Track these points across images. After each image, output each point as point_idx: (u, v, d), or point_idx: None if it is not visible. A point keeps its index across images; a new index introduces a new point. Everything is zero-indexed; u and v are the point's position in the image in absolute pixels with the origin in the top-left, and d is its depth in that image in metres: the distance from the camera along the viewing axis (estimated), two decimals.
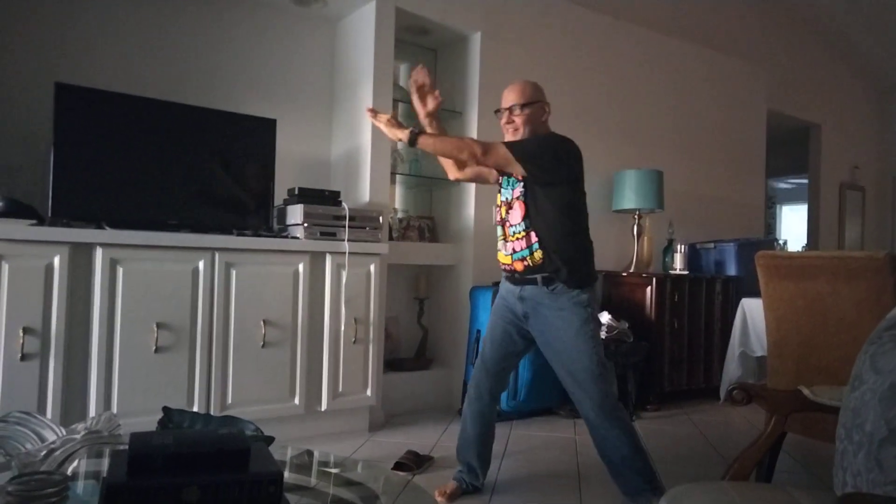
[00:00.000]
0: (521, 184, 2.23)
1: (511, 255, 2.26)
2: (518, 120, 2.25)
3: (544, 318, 2.22)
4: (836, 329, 2.17)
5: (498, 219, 2.34)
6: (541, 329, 2.25)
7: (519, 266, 2.24)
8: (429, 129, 2.33)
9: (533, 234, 2.20)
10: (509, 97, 2.28)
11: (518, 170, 2.19)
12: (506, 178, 2.32)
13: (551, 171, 2.19)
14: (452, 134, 2.74)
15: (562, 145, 2.23)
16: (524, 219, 2.22)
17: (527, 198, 2.22)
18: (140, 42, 3.07)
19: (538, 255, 2.19)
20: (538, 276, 2.20)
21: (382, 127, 2.26)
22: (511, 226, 2.26)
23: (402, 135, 2.20)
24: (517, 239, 2.24)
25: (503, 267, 2.33)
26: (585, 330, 2.17)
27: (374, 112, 2.28)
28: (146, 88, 2.93)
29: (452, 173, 2.48)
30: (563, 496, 2.39)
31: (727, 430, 3.47)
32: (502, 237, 2.31)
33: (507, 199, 2.29)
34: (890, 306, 1.90)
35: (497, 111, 2.33)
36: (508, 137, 2.28)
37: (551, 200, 2.19)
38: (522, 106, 2.25)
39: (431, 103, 2.32)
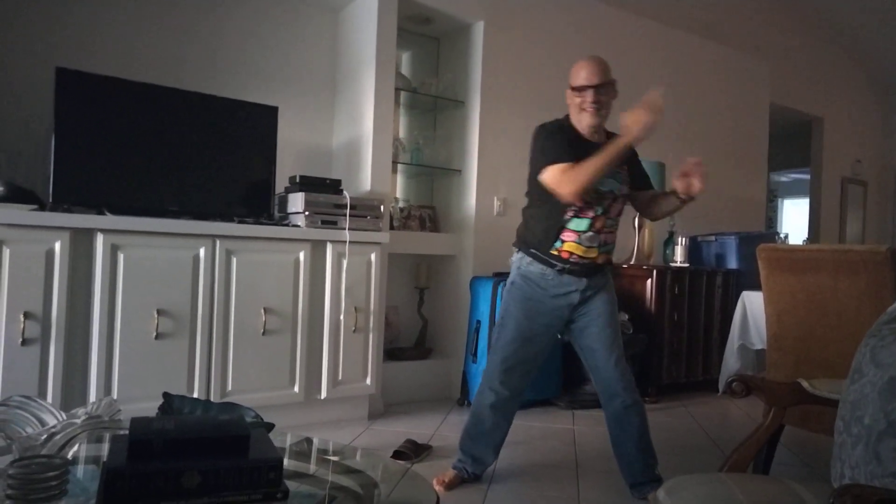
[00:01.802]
0: (625, 183, 2.26)
1: (599, 246, 2.22)
2: (604, 99, 2.19)
3: (599, 299, 2.27)
4: (836, 322, 2.17)
5: (592, 210, 2.18)
6: (599, 308, 2.26)
7: (602, 259, 2.25)
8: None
9: (617, 230, 2.30)
10: (594, 75, 2.15)
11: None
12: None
13: None
14: (447, 139, 2.64)
15: None
16: (619, 215, 2.28)
17: (626, 196, 2.28)
18: (141, 27, 3.05)
19: (613, 248, 2.31)
20: (606, 265, 2.29)
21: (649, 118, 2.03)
22: (610, 218, 2.24)
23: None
24: (611, 233, 2.25)
25: (577, 258, 2.19)
26: (618, 308, 2.35)
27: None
28: (147, 74, 2.92)
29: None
30: (561, 486, 2.40)
31: (725, 422, 3.49)
32: (591, 229, 2.18)
33: (613, 191, 2.21)
34: (890, 300, 1.90)
35: (577, 88, 2.17)
36: (589, 118, 2.16)
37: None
38: (609, 84, 2.21)
39: (697, 187, 2.17)
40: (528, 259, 2.26)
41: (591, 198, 2.16)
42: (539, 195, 2.22)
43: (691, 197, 2.14)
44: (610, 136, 2.21)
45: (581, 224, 2.18)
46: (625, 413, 2.26)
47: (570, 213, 2.18)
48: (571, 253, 2.19)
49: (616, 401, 2.26)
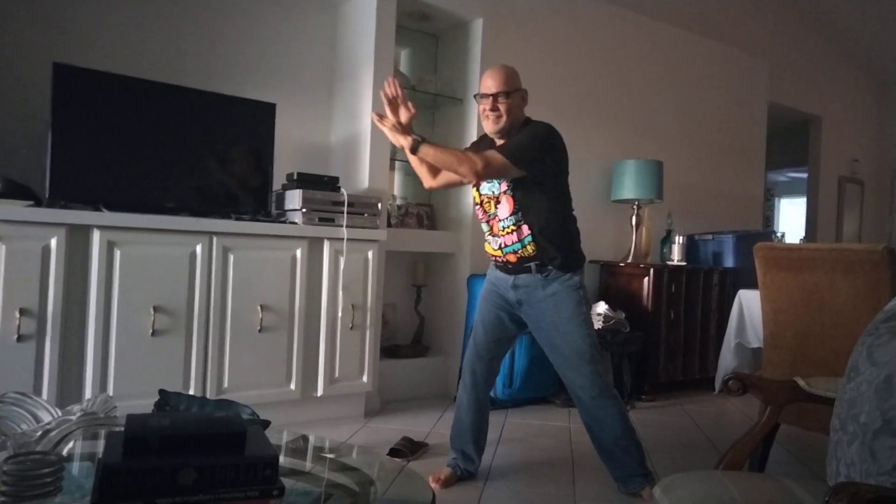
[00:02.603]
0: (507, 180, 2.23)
1: (501, 248, 2.26)
2: (502, 107, 2.20)
3: (539, 304, 2.23)
4: (833, 321, 2.18)
5: (482, 214, 2.32)
6: (535, 315, 2.26)
7: (512, 258, 2.25)
8: (398, 122, 2.21)
9: (525, 227, 2.21)
10: (492, 83, 2.21)
11: (518, 174, 2.16)
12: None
13: (545, 165, 2.20)
14: (443, 142, 2.67)
15: (548, 136, 2.22)
16: (514, 213, 2.21)
17: (515, 192, 2.21)
18: (139, 23, 3.04)
19: (531, 246, 2.21)
20: (532, 265, 2.22)
21: (387, 132, 2.20)
22: (500, 220, 2.24)
23: (406, 142, 2.16)
24: (508, 233, 2.23)
25: (493, 258, 2.34)
26: (578, 312, 2.21)
27: (380, 116, 2.21)
28: (145, 70, 2.90)
29: (427, 182, 2.44)
30: (557, 483, 2.41)
31: (721, 420, 3.49)
32: (489, 232, 2.31)
33: (492, 193, 2.26)
34: (887, 299, 1.90)
35: (476, 96, 2.27)
36: (489, 125, 2.24)
37: (542, 191, 2.20)
38: (507, 93, 2.21)
39: (405, 115, 2.21)
40: None
41: (481, 201, 2.31)
42: None
43: (400, 147, 2.22)
44: (523, 127, 2.30)
45: (484, 227, 2.34)
46: (592, 417, 2.27)
47: (481, 219, 2.34)
48: (490, 254, 2.35)
49: (581, 407, 2.29)
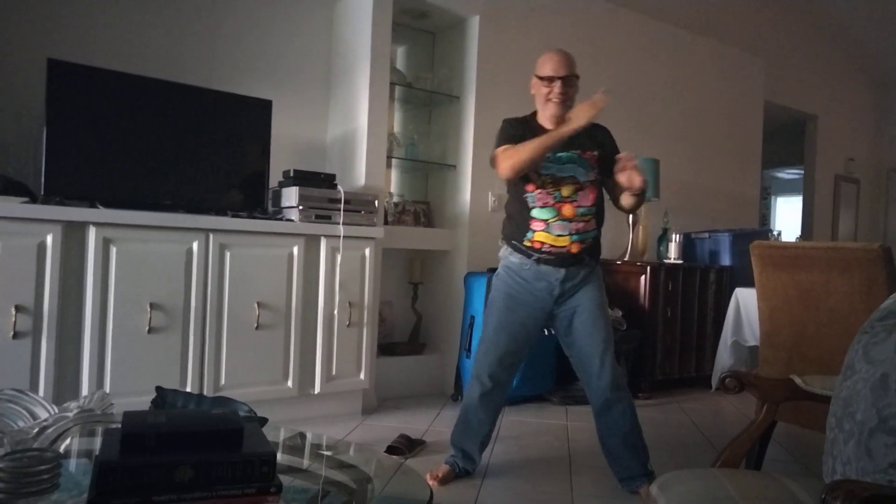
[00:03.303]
0: (596, 169, 2.26)
1: (570, 235, 2.21)
2: (571, 91, 2.23)
3: (582, 292, 2.26)
4: (829, 320, 2.18)
5: (551, 197, 2.20)
6: (576, 304, 2.26)
7: (576, 248, 2.22)
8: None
9: (595, 219, 2.27)
10: (562, 67, 2.20)
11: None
12: (573, 154, 2.22)
13: None
14: (439, 139, 2.64)
15: None
16: (594, 203, 2.26)
17: (598, 183, 2.27)
18: (135, 19, 3.03)
19: (593, 239, 2.27)
20: (586, 256, 2.26)
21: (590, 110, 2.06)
22: (580, 206, 2.22)
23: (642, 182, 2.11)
24: (584, 220, 2.23)
25: (549, 248, 2.21)
26: (607, 302, 2.34)
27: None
28: (141, 66, 2.89)
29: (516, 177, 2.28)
30: (555, 481, 2.41)
31: (718, 418, 3.50)
32: (558, 217, 2.20)
33: (579, 179, 2.22)
34: (883, 297, 1.91)
35: (545, 79, 2.22)
36: (555, 107, 2.21)
37: (601, 184, 2.31)
38: (576, 78, 2.24)
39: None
40: (510, 250, 2.31)
41: (543, 183, 2.21)
42: (511, 186, 2.32)
43: (638, 190, 2.14)
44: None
45: (546, 213, 2.22)
46: (609, 410, 2.27)
47: (533, 203, 2.24)
48: (543, 242, 2.22)
49: (601, 398, 2.27)
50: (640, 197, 2.21)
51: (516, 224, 2.28)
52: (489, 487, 2.33)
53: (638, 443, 2.30)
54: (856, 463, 1.08)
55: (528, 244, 2.24)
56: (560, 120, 2.21)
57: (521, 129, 2.26)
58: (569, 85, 2.22)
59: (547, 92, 2.23)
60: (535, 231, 2.23)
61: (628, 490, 2.28)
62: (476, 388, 2.35)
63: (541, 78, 2.25)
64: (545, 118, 2.28)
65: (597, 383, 2.27)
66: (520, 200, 2.27)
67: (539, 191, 2.23)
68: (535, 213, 2.24)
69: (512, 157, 2.14)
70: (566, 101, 2.22)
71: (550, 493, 2.29)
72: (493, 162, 2.26)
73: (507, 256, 2.33)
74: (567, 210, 2.22)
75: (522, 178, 2.24)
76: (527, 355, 2.41)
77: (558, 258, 2.22)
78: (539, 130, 2.23)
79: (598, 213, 2.29)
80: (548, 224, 2.22)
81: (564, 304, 2.27)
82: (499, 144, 2.24)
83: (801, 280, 2.27)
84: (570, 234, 2.21)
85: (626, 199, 2.27)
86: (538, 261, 2.23)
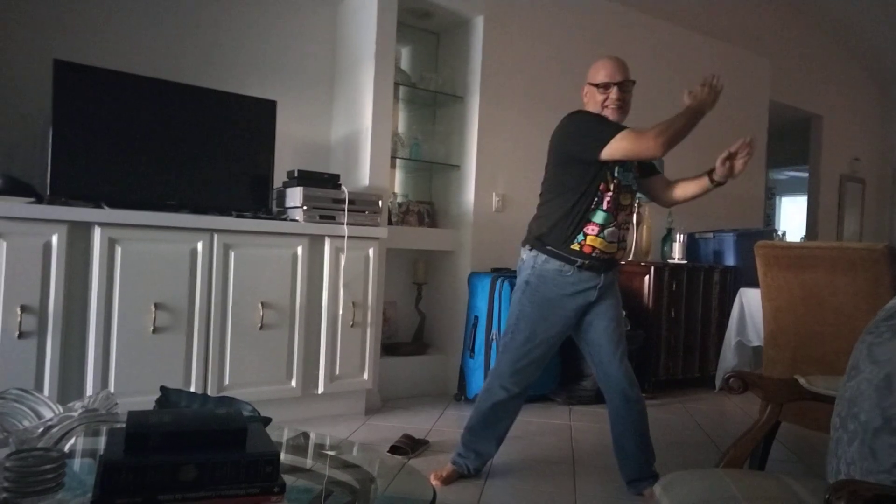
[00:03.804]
0: (637, 176, 2.26)
1: (619, 242, 2.20)
2: (628, 97, 2.18)
3: (608, 295, 2.27)
4: (833, 320, 2.18)
5: (614, 204, 2.15)
6: (608, 305, 2.27)
7: (620, 255, 2.26)
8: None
9: (631, 224, 2.31)
10: (618, 72, 2.15)
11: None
12: (625, 164, 2.18)
13: None
14: (446, 134, 2.60)
15: None
16: (633, 213, 2.32)
17: (635, 192, 2.26)
18: (140, 20, 3.04)
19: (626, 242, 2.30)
20: (621, 262, 2.33)
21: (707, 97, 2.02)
22: (629, 214, 2.24)
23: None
24: (628, 228, 2.26)
25: (598, 253, 2.16)
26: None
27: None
28: (146, 67, 2.90)
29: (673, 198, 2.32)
30: (558, 481, 2.41)
31: (721, 418, 3.49)
32: (613, 223, 2.15)
33: (631, 187, 2.21)
34: (888, 298, 1.90)
35: (601, 85, 2.16)
36: (614, 113, 2.16)
37: None
38: (632, 83, 2.20)
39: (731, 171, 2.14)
40: (544, 257, 2.19)
41: (614, 187, 2.15)
42: (562, 186, 2.18)
43: (726, 179, 2.13)
44: None
45: (604, 217, 2.14)
46: (627, 409, 2.27)
47: (598, 206, 2.14)
48: (594, 248, 2.15)
49: (619, 396, 2.27)
50: (717, 186, 2.18)
51: (564, 226, 2.16)
52: (492, 487, 2.33)
53: (648, 445, 2.31)
54: (860, 463, 1.08)
55: (576, 248, 2.15)
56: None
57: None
58: (625, 90, 2.16)
59: (603, 99, 2.16)
60: (587, 235, 2.14)
61: (635, 492, 2.27)
62: (499, 394, 2.30)
63: (596, 85, 2.18)
64: None
65: (617, 382, 2.26)
66: (574, 202, 2.14)
67: (609, 194, 2.14)
68: (595, 216, 2.14)
69: (664, 133, 2.00)
70: (623, 107, 2.17)
71: (554, 493, 2.29)
72: (619, 146, 2.05)
73: (540, 265, 2.20)
74: (622, 218, 2.19)
75: (594, 179, 2.13)
76: (550, 358, 2.41)
77: (603, 264, 2.18)
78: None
79: (632, 220, 2.35)
80: (602, 229, 2.14)
81: (595, 307, 2.27)
82: (610, 131, 2.07)
83: (805, 280, 2.26)
84: (619, 242, 2.20)
85: (697, 187, 2.21)
86: (581, 266, 2.16)
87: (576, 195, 2.14)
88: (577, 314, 2.24)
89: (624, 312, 3.72)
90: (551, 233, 2.19)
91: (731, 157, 2.12)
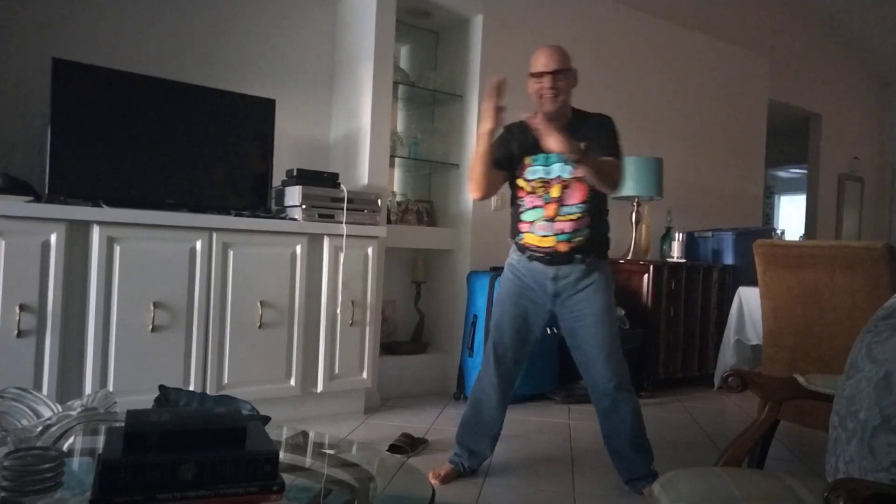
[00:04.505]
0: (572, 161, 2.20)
1: (556, 235, 2.20)
2: (561, 85, 2.18)
3: (580, 293, 2.23)
4: (832, 319, 2.18)
5: (541, 199, 2.21)
6: (574, 305, 2.24)
7: (563, 247, 2.20)
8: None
9: (587, 217, 2.22)
10: (550, 61, 2.18)
11: None
12: (552, 156, 2.19)
13: None
14: (445, 134, 2.62)
15: (616, 127, 2.28)
16: (584, 201, 2.20)
17: (586, 181, 2.20)
18: (139, 19, 3.03)
19: (585, 236, 2.22)
20: (579, 256, 2.22)
21: (552, 139, 2.01)
22: (564, 205, 2.20)
23: (574, 149, 2.01)
24: (570, 220, 2.19)
25: (535, 248, 2.23)
26: (612, 304, 2.27)
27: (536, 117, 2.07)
28: (145, 66, 2.90)
29: (483, 192, 2.24)
30: (557, 480, 2.41)
31: (720, 417, 3.50)
32: (543, 217, 2.21)
33: (559, 177, 2.21)
34: (887, 296, 1.90)
35: (535, 75, 2.19)
36: (547, 104, 2.17)
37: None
38: (567, 71, 2.21)
39: (499, 122, 2.13)
40: (513, 247, 2.36)
41: (533, 188, 2.24)
42: (510, 191, 2.36)
43: (570, 155, 2.06)
44: (578, 117, 2.28)
45: (532, 215, 2.24)
46: (615, 410, 2.26)
47: (523, 207, 2.26)
48: (529, 244, 2.26)
49: (606, 398, 2.26)
50: (588, 165, 2.07)
51: (512, 226, 2.35)
52: (491, 486, 2.33)
53: (643, 444, 2.29)
54: (858, 462, 1.08)
55: (521, 244, 2.30)
56: (555, 115, 2.17)
57: (506, 136, 2.28)
58: (560, 79, 2.18)
59: (538, 88, 2.20)
60: (523, 233, 2.28)
61: (634, 490, 2.27)
62: (481, 382, 2.38)
63: (531, 75, 2.24)
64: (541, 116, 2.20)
65: (601, 385, 2.26)
66: (513, 205, 2.33)
67: (528, 195, 2.25)
68: (523, 216, 2.27)
69: (470, 178, 2.24)
70: (558, 96, 2.18)
71: (553, 492, 2.29)
72: None
73: (510, 256, 2.37)
74: (550, 210, 2.21)
75: (513, 186, 2.30)
76: (531, 350, 2.41)
77: (546, 257, 2.23)
78: (527, 129, 2.15)
79: (591, 210, 2.22)
80: (532, 225, 2.24)
81: (565, 304, 2.25)
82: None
83: (804, 279, 2.26)
84: (556, 235, 2.20)
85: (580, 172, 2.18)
86: (530, 258, 2.27)
87: (511, 199, 2.35)
88: (539, 303, 2.29)
89: (623, 311, 3.76)
90: (510, 229, 2.37)
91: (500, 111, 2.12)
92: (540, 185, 2.24)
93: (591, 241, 2.23)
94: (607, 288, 2.26)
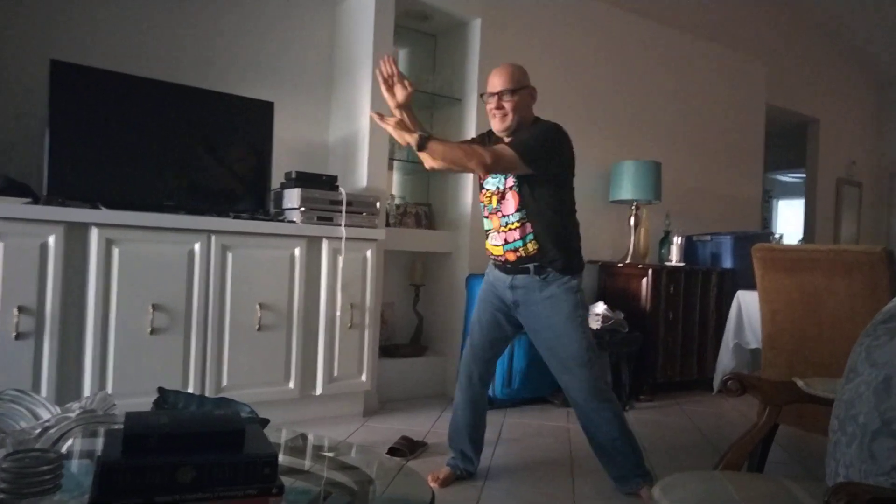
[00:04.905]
0: (511, 175, 2.20)
1: (503, 245, 2.24)
2: (507, 105, 2.19)
3: (535, 306, 2.22)
4: (831, 323, 2.18)
5: (484, 209, 2.32)
6: (531, 317, 2.25)
7: (511, 256, 2.23)
8: (401, 119, 2.19)
9: (528, 224, 2.19)
10: (498, 82, 2.21)
11: (525, 171, 2.14)
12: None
13: (553, 165, 2.19)
14: (444, 137, 2.67)
15: (557, 136, 2.20)
16: (518, 209, 2.20)
17: (521, 188, 2.19)
18: (138, 21, 3.03)
19: (532, 245, 2.19)
20: (531, 266, 2.20)
21: (390, 130, 2.11)
22: (503, 216, 2.23)
23: (411, 139, 2.08)
24: (511, 229, 2.22)
25: (493, 256, 2.33)
26: (575, 316, 2.20)
27: (381, 115, 2.13)
28: (143, 68, 2.90)
29: (428, 162, 2.19)
30: (556, 483, 2.41)
31: (720, 421, 3.50)
32: (494, 227, 2.28)
33: (498, 188, 2.25)
34: (885, 300, 1.91)
35: (483, 95, 2.27)
36: (496, 124, 2.24)
37: (547, 190, 2.19)
38: (513, 91, 2.19)
39: (401, 94, 2.21)
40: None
41: (483, 196, 2.32)
42: None
43: (406, 145, 2.15)
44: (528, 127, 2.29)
45: (487, 223, 2.33)
46: (590, 421, 2.27)
47: (482, 213, 2.34)
48: (490, 252, 2.34)
49: (578, 409, 2.29)
50: (428, 152, 2.10)
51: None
52: (490, 489, 2.33)
53: (627, 448, 2.25)
54: (858, 465, 1.08)
55: (487, 251, 2.37)
56: (509, 133, 2.22)
57: (480, 142, 2.35)
58: (506, 99, 2.19)
59: (489, 108, 2.25)
60: (487, 239, 2.34)
61: (625, 491, 2.27)
62: (458, 385, 2.43)
63: (481, 95, 2.32)
64: (496, 132, 2.28)
65: (571, 397, 2.28)
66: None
67: (484, 206, 2.33)
68: (485, 224, 2.35)
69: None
70: (506, 115, 2.20)
71: (552, 495, 2.29)
72: None
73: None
74: (495, 221, 2.28)
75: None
76: (500, 352, 2.45)
77: (503, 265, 2.29)
78: (486, 139, 2.35)
79: (532, 218, 2.18)
80: (488, 235, 2.32)
81: (524, 316, 2.28)
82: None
83: (803, 283, 2.26)
84: (504, 245, 2.25)
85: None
86: (493, 264, 2.36)
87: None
88: (500, 308, 2.33)
89: (622, 315, 3.76)
90: None
91: (389, 89, 2.22)
92: (488, 194, 2.30)
93: (543, 252, 2.18)
94: (567, 302, 2.19)
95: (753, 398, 1.74)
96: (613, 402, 2.27)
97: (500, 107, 2.20)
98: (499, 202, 2.24)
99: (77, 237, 2.41)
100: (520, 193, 2.19)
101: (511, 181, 2.21)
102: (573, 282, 2.21)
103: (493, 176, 2.26)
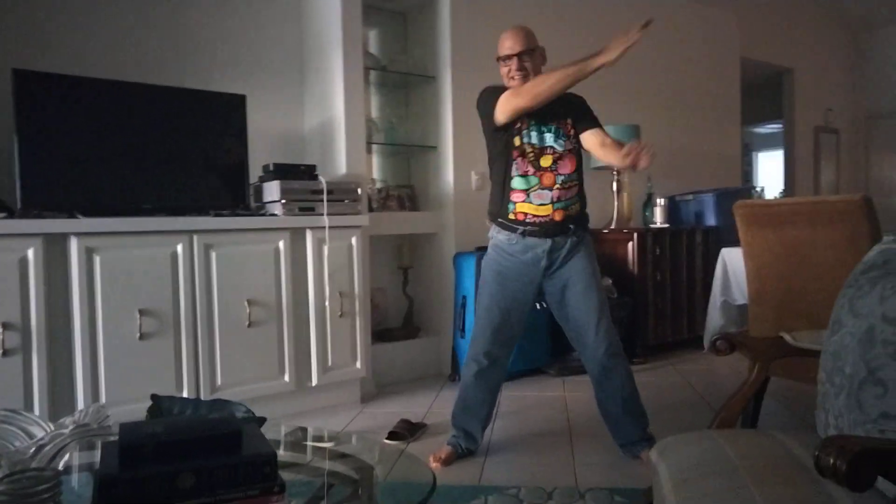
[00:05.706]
0: (571, 138, 2.28)
1: (551, 203, 2.23)
2: (529, 66, 2.22)
3: (572, 262, 2.28)
4: (815, 274, 2.20)
5: (532, 167, 2.24)
6: (568, 274, 2.28)
7: (559, 216, 2.24)
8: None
9: (577, 187, 2.30)
10: (514, 44, 2.22)
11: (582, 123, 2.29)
12: (552, 126, 2.26)
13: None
14: (419, 122, 2.60)
15: None
16: (575, 171, 2.29)
17: (575, 153, 2.30)
18: (98, 23, 2.96)
19: (577, 206, 2.30)
20: (571, 225, 2.27)
21: (629, 45, 2.13)
22: (559, 174, 2.25)
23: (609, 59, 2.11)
24: (567, 187, 2.26)
25: (533, 218, 2.24)
26: (599, 271, 2.36)
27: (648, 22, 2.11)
28: (109, 70, 2.84)
29: (533, 106, 2.17)
30: (556, 453, 2.44)
31: (712, 378, 3.55)
32: (539, 185, 2.23)
33: (554, 148, 2.25)
34: (866, 248, 1.93)
35: (503, 58, 2.25)
36: (517, 84, 2.21)
37: (581, 155, 2.34)
38: (532, 51, 2.23)
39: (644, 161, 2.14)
40: (497, 228, 2.33)
41: (523, 151, 2.25)
42: (491, 159, 2.35)
43: (625, 169, 2.22)
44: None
45: (525, 182, 2.25)
46: (608, 377, 2.30)
47: (515, 172, 2.25)
48: (526, 213, 2.25)
49: (598, 366, 2.30)
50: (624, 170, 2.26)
51: (499, 198, 2.30)
52: (492, 464, 2.36)
53: (637, 409, 2.33)
54: (847, 415, 1.10)
55: (512, 217, 2.27)
56: None
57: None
58: (526, 60, 2.22)
59: (507, 71, 2.25)
60: (515, 203, 2.26)
61: (630, 456, 2.31)
62: (473, 367, 2.37)
63: (498, 59, 2.28)
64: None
65: (593, 353, 2.29)
66: (501, 171, 2.29)
67: (520, 158, 2.25)
68: (515, 182, 2.25)
69: (534, 88, 2.13)
70: (527, 77, 2.22)
71: (553, 464, 2.32)
72: (501, 107, 2.19)
73: (494, 235, 2.35)
74: (547, 179, 2.25)
75: (505, 148, 2.26)
76: (521, 331, 2.42)
77: (543, 228, 2.24)
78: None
79: (580, 182, 2.32)
80: (528, 194, 2.25)
81: (553, 276, 2.29)
82: (491, 97, 2.24)
83: (785, 236, 2.28)
84: (553, 203, 2.24)
85: (612, 160, 2.27)
86: (524, 233, 2.26)
87: (498, 165, 2.31)
88: (532, 282, 2.30)
89: (610, 281, 3.78)
90: (492, 204, 2.35)
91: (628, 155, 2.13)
92: (531, 150, 2.25)
93: (580, 211, 2.32)
94: (591, 256, 2.34)
95: (743, 354, 1.76)
96: (626, 358, 2.37)
97: (521, 68, 2.22)
98: (555, 162, 2.25)
99: (56, 248, 2.38)
100: (575, 157, 2.30)
101: (570, 144, 2.28)
102: (591, 239, 2.38)
103: (541, 132, 2.26)
